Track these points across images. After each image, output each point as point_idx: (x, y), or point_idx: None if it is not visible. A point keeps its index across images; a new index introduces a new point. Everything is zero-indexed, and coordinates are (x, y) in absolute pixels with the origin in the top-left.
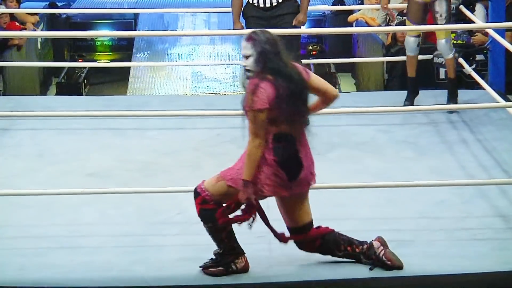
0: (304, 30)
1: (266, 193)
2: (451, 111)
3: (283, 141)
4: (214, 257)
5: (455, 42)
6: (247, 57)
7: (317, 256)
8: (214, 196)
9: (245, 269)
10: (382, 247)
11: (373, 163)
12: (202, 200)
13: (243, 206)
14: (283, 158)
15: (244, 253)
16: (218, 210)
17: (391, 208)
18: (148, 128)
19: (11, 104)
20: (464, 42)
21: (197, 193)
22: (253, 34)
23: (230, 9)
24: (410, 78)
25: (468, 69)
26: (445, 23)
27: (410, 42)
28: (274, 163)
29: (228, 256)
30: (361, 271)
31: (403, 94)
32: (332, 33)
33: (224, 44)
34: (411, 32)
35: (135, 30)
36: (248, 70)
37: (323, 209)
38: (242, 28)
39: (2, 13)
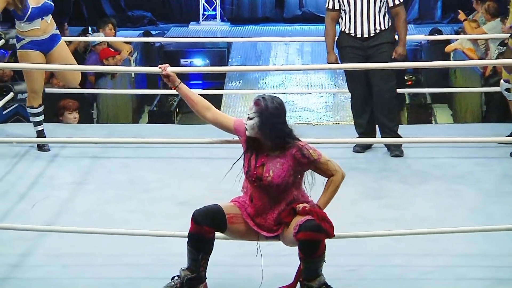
0: (400, 64)
1: None
2: None
3: None
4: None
5: None
6: (250, 118)
7: None
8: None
9: None
10: None
11: (470, 197)
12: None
13: None
14: None
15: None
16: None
17: (488, 244)
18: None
19: (104, 132)
20: None
21: (323, 230)
22: (259, 99)
23: (323, 38)
24: None
25: None
26: None
27: (503, 86)
28: None
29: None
30: None
31: (502, 126)
32: (428, 67)
33: (317, 74)
34: (505, 75)
35: (228, 59)
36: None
37: (418, 244)
38: (336, 59)
39: (102, 42)
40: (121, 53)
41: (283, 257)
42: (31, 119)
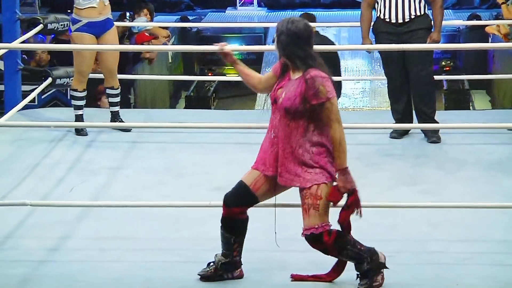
0: (436, 45)
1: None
2: None
3: None
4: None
5: None
6: (273, 39)
7: None
8: (327, 220)
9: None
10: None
11: (507, 183)
12: (328, 234)
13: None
14: None
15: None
16: (343, 217)
17: None
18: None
19: (141, 116)
20: None
21: (316, 237)
22: (278, 23)
23: (359, 24)
24: None
25: None
26: None
27: None
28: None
29: None
30: None
31: None
32: (464, 48)
33: (354, 59)
34: None
35: (265, 44)
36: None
37: (454, 230)
38: (371, 44)
39: (145, 29)
40: (158, 38)
41: None
42: (73, 102)
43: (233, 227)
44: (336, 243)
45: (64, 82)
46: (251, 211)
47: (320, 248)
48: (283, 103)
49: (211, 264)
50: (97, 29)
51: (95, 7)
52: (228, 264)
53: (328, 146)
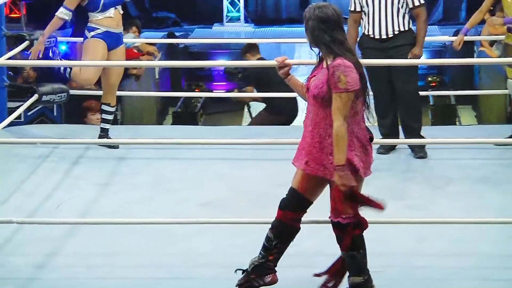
0: (421, 61)
1: (364, 176)
2: None
3: (364, 120)
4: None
5: None
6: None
7: None
8: (355, 212)
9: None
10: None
11: (495, 198)
12: (353, 226)
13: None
14: (372, 136)
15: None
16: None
17: None
18: (263, 158)
19: (128, 133)
20: None
21: (342, 226)
22: (306, 10)
23: None
24: None
25: None
26: None
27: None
28: (368, 142)
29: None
30: None
31: None
32: (450, 64)
33: None
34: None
35: None
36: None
37: (442, 244)
38: None
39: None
40: (145, 54)
41: None
42: (103, 116)
43: (281, 231)
44: (356, 239)
45: (51, 98)
46: (237, 227)
47: (339, 234)
48: (312, 91)
49: (245, 270)
50: (113, 41)
51: (112, 17)
52: (260, 266)
53: (355, 137)
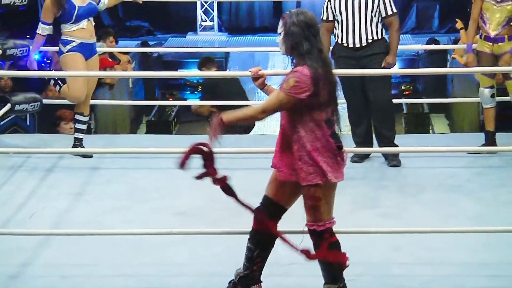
0: (394, 70)
1: (334, 180)
2: None
3: (331, 127)
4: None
5: None
6: (280, 33)
7: None
8: (330, 218)
9: None
10: None
11: (469, 207)
12: (330, 233)
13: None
14: (340, 144)
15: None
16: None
17: (488, 253)
18: (237, 168)
19: (102, 142)
20: None
21: (318, 233)
22: (285, 14)
23: None
24: (487, 132)
25: None
26: None
27: (485, 93)
28: (337, 150)
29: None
30: None
31: (499, 135)
32: (423, 73)
33: None
34: (484, 83)
35: (226, 69)
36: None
37: (417, 253)
38: None
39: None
40: (120, 63)
41: None
42: (77, 125)
43: (258, 239)
44: (332, 246)
45: (24, 108)
46: (213, 236)
47: (316, 241)
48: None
49: (231, 281)
50: (88, 51)
51: (84, 29)
52: (246, 278)
53: (321, 144)
